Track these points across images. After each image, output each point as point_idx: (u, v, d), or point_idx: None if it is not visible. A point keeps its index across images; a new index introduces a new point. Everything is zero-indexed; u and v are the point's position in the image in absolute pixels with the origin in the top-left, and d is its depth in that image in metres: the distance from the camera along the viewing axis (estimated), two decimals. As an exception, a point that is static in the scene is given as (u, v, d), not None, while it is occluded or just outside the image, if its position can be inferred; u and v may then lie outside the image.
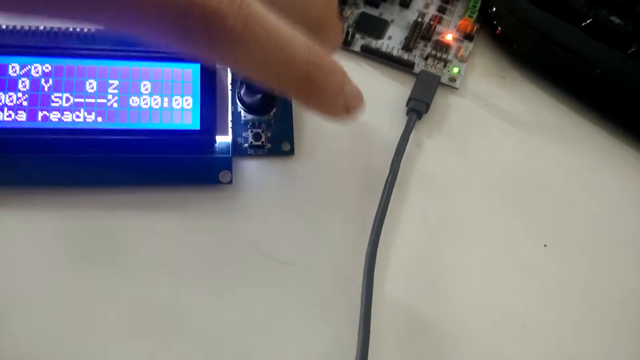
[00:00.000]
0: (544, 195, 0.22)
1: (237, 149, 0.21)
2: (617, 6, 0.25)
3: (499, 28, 0.25)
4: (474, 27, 0.25)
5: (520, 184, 0.22)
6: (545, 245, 0.21)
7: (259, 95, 0.20)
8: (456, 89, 0.24)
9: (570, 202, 0.22)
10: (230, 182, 0.20)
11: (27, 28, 0.20)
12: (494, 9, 0.26)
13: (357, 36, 0.25)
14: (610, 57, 0.24)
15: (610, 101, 0.24)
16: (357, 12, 0.25)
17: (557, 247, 0.21)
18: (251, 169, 0.21)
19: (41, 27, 0.21)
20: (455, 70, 0.24)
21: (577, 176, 0.23)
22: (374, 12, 0.26)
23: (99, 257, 0.19)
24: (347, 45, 0.25)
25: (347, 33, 0.25)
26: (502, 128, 0.24)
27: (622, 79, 0.24)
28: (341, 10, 0.25)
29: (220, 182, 0.20)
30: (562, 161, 0.23)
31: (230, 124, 0.21)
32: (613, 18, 0.25)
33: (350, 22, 0.25)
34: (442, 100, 0.24)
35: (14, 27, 0.20)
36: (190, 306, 0.19)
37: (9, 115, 0.18)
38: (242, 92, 0.21)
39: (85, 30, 0.21)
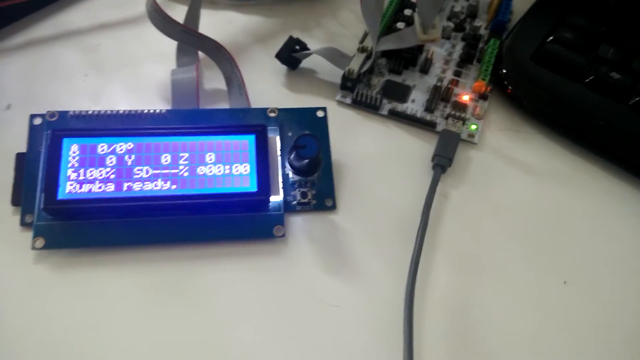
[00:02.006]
0: (560, 236, 0.25)
1: (287, 206, 0.24)
2: (616, 63, 0.28)
3: (510, 88, 0.29)
4: (487, 88, 0.28)
5: (538, 226, 0.25)
6: (565, 282, 0.24)
7: (306, 160, 0.23)
8: (475, 144, 0.27)
9: (585, 242, 0.25)
10: (283, 235, 0.23)
11: (110, 112, 0.24)
12: (504, 71, 0.29)
13: (385, 101, 0.28)
14: (612, 110, 0.27)
15: (615, 149, 0.27)
16: (382, 80, 0.29)
17: (575, 283, 0.24)
18: (300, 223, 0.24)
19: (121, 111, 0.25)
20: (473, 127, 0.28)
21: (589, 217, 0.25)
22: (397, 79, 0.29)
23: (175, 303, 0.22)
24: (376, 109, 0.28)
25: (375, 99, 0.28)
26: (519, 177, 0.27)
27: (624, 129, 0.27)
28: (369, 80, 0.29)
29: (274, 236, 0.23)
30: (574, 205, 0.26)
31: (281, 185, 0.24)
32: (613, 74, 0.28)
33: (378, 89, 0.29)
34: (463, 154, 0.27)
35: (99, 111, 0.24)
36: (253, 347, 0.21)
37: (100, 187, 0.22)
38: (291, 157, 0.24)
39: (157, 111, 0.25)
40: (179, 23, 0.27)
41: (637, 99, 0.27)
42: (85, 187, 0.22)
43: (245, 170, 0.23)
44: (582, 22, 0.30)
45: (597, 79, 0.28)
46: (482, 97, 0.29)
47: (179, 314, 0.22)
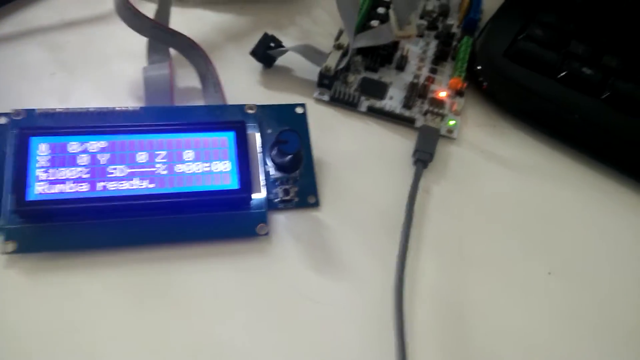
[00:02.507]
0: (540, 226, 0.25)
1: (270, 204, 0.24)
2: (587, 58, 0.29)
3: (485, 84, 0.29)
4: (463, 84, 0.29)
5: (518, 218, 0.25)
6: (549, 273, 0.24)
7: (289, 156, 0.23)
8: (454, 139, 0.27)
9: (564, 232, 0.25)
10: (267, 234, 0.23)
11: (80, 109, 0.23)
12: (479, 68, 0.29)
13: (362, 98, 0.28)
14: (585, 104, 0.28)
15: (589, 142, 0.27)
16: (359, 77, 0.29)
17: (559, 273, 0.24)
18: (283, 221, 0.24)
19: (92, 109, 0.23)
20: (452, 123, 0.28)
21: (567, 208, 0.26)
22: (373, 76, 0.29)
23: (156, 306, 0.21)
24: (354, 106, 0.28)
25: (353, 96, 0.28)
26: (497, 170, 0.27)
27: (598, 122, 0.27)
28: (345, 77, 0.29)
29: (257, 234, 0.23)
30: (552, 196, 0.26)
31: (262, 183, 0.24)
32: (584, 69, 0.28)
33: (355, 86, 0.28)
34: (442, 150, 0.27)
35: (68, 109, 0.23)
36: (239, 343, 0.21)
37: (72, 187, 0.21)
38: (273, 153, 0.23)
39: (131, 108, 0.24)
40: (149, 18, 0.26)
41: (609, 93, 0.28)
42: (57, 188, 0.21)
43: (226, 168, 0.23)
44: (552, 19, 0.31)
45: (569, 75, 0.28)
46: (459, 93, 0.29)
47: (161, 316, 0.21)
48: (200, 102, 0.27)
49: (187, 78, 0.28)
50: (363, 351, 0.21)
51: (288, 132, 0.23)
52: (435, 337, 0.22)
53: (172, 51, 0.28)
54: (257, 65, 0.29)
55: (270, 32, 0.29)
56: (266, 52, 0.28)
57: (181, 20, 0.30)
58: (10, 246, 0.21)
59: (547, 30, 0.30)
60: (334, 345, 0.21)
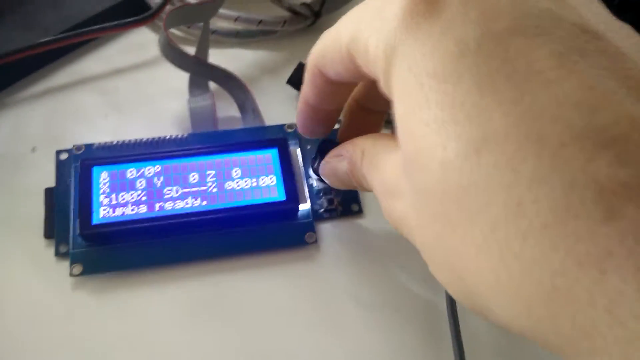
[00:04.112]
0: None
1: (315, 214, 0.24)
2: None
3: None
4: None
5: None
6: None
7: (331, 165, 0.24)
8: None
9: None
10: (316, 241, 0.24)
11: (133, 140, 0.25)
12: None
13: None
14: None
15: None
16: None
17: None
18: (330, 229, 0.25)
19: (144, 139, 0.25)
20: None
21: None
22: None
23: (216, 317, 0.22)
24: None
25: (387, 110, 0.29)
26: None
27: None
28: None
29: (306, 243, 0.24)
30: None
31: (307, 194, 0.25)
32: None
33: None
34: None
35: (123, 141, 0.25)
36: (298, 351, 0.21)
37: (133, 209, 0.22)
38: (315, 166, 0.25)
39: (179, 135, 0.26)
40: (190, 54, 0.28)
41: None
42: (119, 211, 0.22)
43: (272, 182, 0.24)
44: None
45: None
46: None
47: (221, 327, 0.22)
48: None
49: (227, 108, 0.30)
50: (419, 353, 0.21)
51: (328, 142, 0.24)
52: (492, 333, 0.22)
53: (211, 85, 0.30)
54: (294, 93, 0.31)
55: (304, 61, 0.31)
56: (302, 79, 0.30)
57: (219, 60, 0.32)
58: (77, 269, 0.22)
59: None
60: (388, 348, 0.21)
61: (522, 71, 0.12)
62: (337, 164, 0.20)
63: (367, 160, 0.18)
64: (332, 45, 0.17)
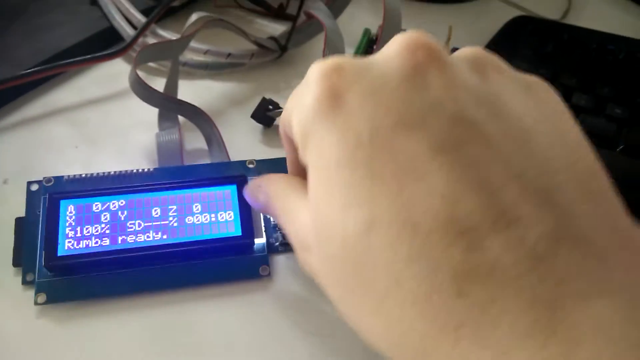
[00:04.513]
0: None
1: (270, 247, 0.26)
2: (591, 110, 0.30)
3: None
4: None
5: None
6: None
7: (285, 202, 0.26)
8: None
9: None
10: (269, 274, 0.25)
11: (101, 173, 0.27)
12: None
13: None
14: (603, 156, 0.29)
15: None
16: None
17: None
18: (283, 261, 0.26)
19: (112, 172, 0.27)
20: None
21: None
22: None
23: (172, 344, 0.23)
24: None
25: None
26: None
27: (616, 174, 0.28)
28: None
29: (260, 275, 0.25)
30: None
31: (263, 229, 0.26)
32: (598, 121, 0.29)
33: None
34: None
35: (92, 174, 0.27)
36: (249, 378, 0.23)
37: (96, 242, 0.24)
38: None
39: (145, 169, 0.27)
40: (159, 91, 0.30)
41: (624, 145, 0.28)
42: (83, 243, 0.24)
43: (230, 217, 0.25)
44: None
45: (584, 130, 0.29)
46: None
47: (179, 355, 0.23)
48: (207, 161, 0.30)
49: (195, 140, 0.31)
50: (363, 375, 0.23)
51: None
52: None
53: (180, 118, 0.32)
54: (258, 126, 0.32)
55: (268, 95, 0.32)
56: (265, 114, 0.32)
57: (189, 91, 0.33)
58: (41, 297, 0.23)
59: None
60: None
61: (404, 165, 0.14)
62: (257, 193, 0.23)
63: (280, 203, 0.20)
64: (286, 120, 0.20)
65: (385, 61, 0.16)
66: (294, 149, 0.22)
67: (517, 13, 0.40)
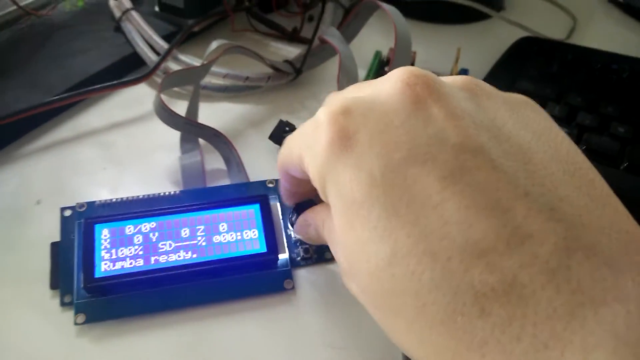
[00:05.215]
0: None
1: (292, 262, 0.27)
2: (605, 131, 0.31)
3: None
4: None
5: None
6: None
7: (306, 221, 0.27)
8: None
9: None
10: (293, 287, 0.27)
11: (131, 197, 0.28)
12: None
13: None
14: (607, 175, 0.30)
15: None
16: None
17: None
18: (305, 275, 0.27)
19: (140, 196, 0.28)
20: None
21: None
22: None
23: (206, 357, 0.25)
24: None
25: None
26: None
27: (620, 192, 0.29)
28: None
29: (285, 289, 0.27)
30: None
31: (285, 245, 0.28)
32: (602, 140, 0.30)
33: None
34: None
35: (122, 198, 0.28)
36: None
37: (131, 263, 0.25)
38: (293, 218, 0.28)
39: (172, 192, 0.29)
40: (181, 116, 0.32)
41: (628, 163, 0.29)
42: (118, 264, 0.25)
43: (255, 235, 0.27)
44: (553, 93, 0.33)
45: (588, 149, 0.30)
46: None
47: (207, 368, 0.24)
48: (226, 181, 0.32)
49: (214, 161, 0.33)
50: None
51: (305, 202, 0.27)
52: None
53: (200, 140, 0.33)
54: (275, 146, 0.34)
55: (284, 117, 0.34)
56: (282, 135, 0.33)
57: (209, 112, 0.35)
58: (80, 318, 0.25)
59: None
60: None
61: (417, 198, 0.15)
62: (307, 230, 0.24)
63: (326, 231, 0.21)
64: (288, 159, 0.21)
65: (387, 98, 0.17)
66: (292, 184, 0.23)
67: (522, 33, 0.41)
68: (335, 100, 0.18)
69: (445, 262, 0.14)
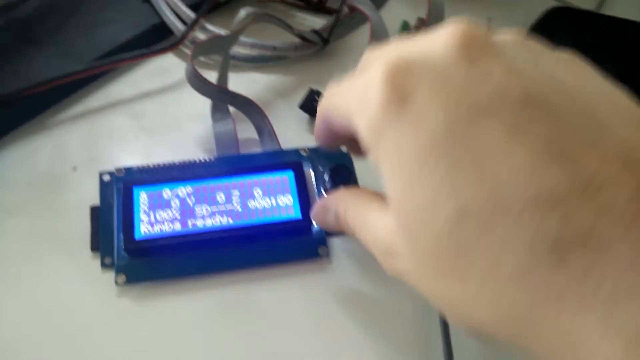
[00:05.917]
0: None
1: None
2: None
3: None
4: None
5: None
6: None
7: (341, 185, 0.27)
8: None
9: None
10: (328, 255, 0.27)
11: (167, 163, 0.28)
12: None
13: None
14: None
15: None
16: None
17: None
18: (339, 243, 0.28)
19: (177, 162, 0.29)
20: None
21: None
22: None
23: (241, 321, 0.25)
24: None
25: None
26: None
27: None
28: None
29: (320, 255, 0.27)
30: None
31: (320, 212, 0.28)
32: None
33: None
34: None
35: (159, 164, 0.28)
36: (309, 354, 0.24)
37: (169, 226, 0.26)
38: (326, 182, 0.28)
39: (207, 159, 0.29)
40: (214, 84, 0.32)
41: None
42: (157, 228, 0.26)
43: (290, 201, 0.27)
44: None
45: None
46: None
47: (243, 331, 0.25)
48: (258, 150, 0.32)
49: (246, 130, 0.33)
50: (416, 353, 0.25)
51: (338, 166, 0.27)
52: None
53: (231, 108, 0.33)
54: (305, 116, 0.34)
55: (313, 87, 0.34)
56: (312, 104, 0.33)
57: (237, 83, 0.35)
58: (121, 278, 0.25)
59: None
60: (390, 346, 0.25)
61: (482, 153, 0.15)
62: (325, 215, 0.23)
63: (351, 217, 0.21)
64: (333, 113, 0.20)
65: (442, 54, 0.16)
66: (332, 133, 0.21)
67: (552, 3, 0.41)
68: (388, 55, 0.17)
69: (518, 215, 0.14)
